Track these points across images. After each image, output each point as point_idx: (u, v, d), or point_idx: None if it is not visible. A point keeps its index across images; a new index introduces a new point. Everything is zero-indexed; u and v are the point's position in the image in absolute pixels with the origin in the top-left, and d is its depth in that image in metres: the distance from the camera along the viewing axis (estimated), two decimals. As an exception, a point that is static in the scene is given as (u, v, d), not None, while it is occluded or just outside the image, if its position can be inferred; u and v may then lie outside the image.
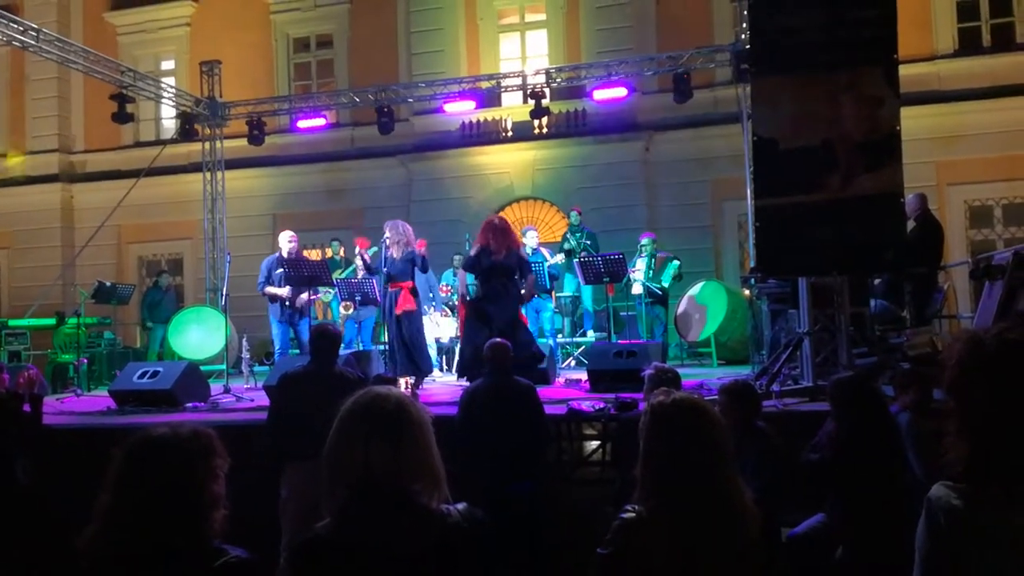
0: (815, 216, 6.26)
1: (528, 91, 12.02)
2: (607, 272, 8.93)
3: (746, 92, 9.33)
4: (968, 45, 13.40)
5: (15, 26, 10.11)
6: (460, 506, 1.96)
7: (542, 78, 12.09)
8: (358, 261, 10.39)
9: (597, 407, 6.09)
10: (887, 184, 6.19)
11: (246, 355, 9.84)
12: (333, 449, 1.92)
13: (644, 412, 2.42)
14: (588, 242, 10.99)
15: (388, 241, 8.53)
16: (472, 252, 8.12)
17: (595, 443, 6.10)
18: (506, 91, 12.97)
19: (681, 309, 10.85)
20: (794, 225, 6.32)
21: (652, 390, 4.69)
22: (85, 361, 10.42)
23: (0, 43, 11.08)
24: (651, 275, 10.40)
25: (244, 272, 12.22)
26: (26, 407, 5.84)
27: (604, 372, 7.40)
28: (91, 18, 17.20)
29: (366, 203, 15.43)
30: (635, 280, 10.28)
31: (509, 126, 14.85)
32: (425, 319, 9.55)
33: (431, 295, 10.00)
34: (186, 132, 12.84)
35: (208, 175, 13.42)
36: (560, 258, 10.98)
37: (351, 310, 10.31)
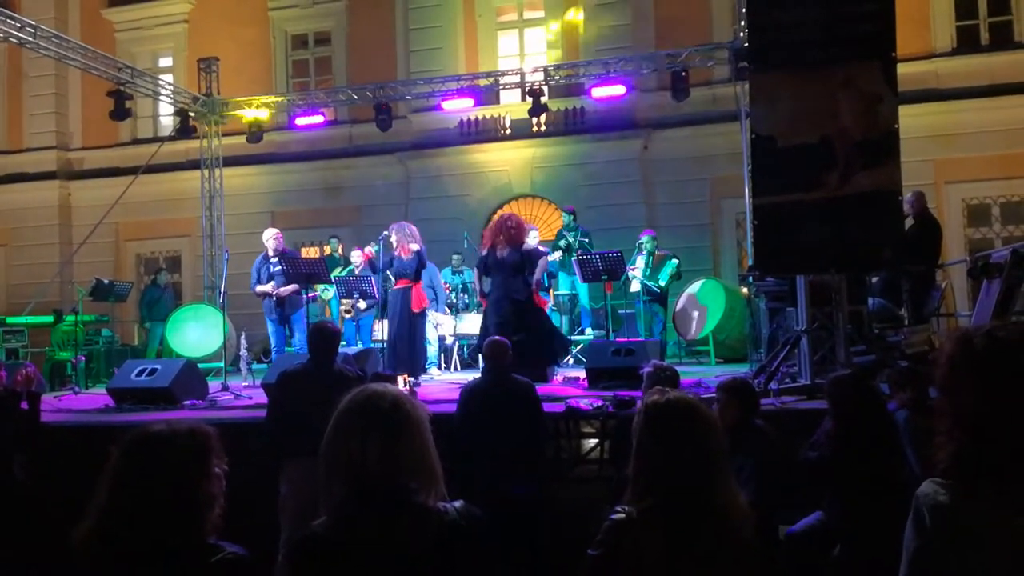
0: (813, 214, 6.26)
1: (526, 89, 12.01)
2: (605, 270, 8.92)
3: (744, 90, 9.33)
4: (966, 43, 13.40)
5: (12, 22, 10.08)
6: (457, 504, 1.96)
7: (540, 76, 12.08)
8: (356, 258, 10.41)
9: (595, 405, 6.10)
10: (885, 182, 6.19)
11: (244, 353, 9.83)
12: (330, 446, 1.92)
13: (638, 411, 2.41)
14: (584, 240, 10.98)
15: (395, 242, 8.56)
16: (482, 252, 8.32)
17: (593, 441, 6.10)
18: (504, 89, 12.95)
19: (680, 307, 10.85)
20: (792, 223, 6.33)
21: (651, 388, 4.69)
22: (83, 359, 10.41)
23: (-3, 40, 11.05)
24: (649, 273, 10.40)
25: (242, 270, 12.18)
26: (24, 405, 5.84)
27: (602, 370, 7.41)
28: (88, 15, 17.16)
29: (364, 201, 15.42)
30: (633, 278, 10.29)
31: (507, 124, 14.84)
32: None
33: (435, 296, 10.01)
34: (184, 129, 12.81)
35: (206, 172, 13.41)
36: (558, 255, 10.98)
37: (351, 314, 10.32)
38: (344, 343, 7.97)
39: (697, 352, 11.03)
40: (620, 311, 10.67)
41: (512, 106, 14.61)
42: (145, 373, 7.69)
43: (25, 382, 6.44)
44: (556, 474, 5.82)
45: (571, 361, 10.60)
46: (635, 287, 10.37)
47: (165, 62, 17.10)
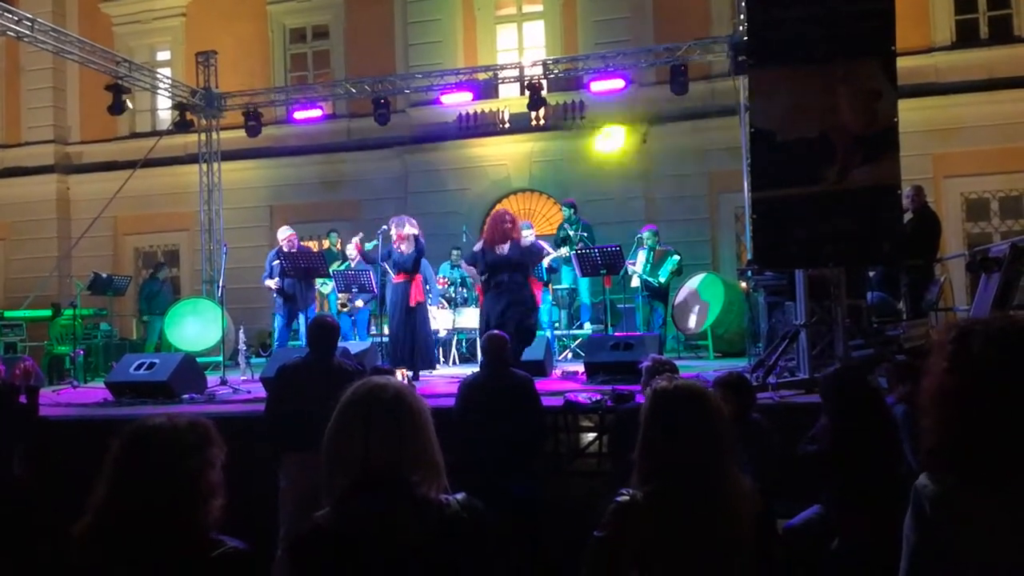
0: (812, 208, 6.26)
1: (525, 82, 11.99)
2: (604, 264, 8.91)
3: (744, 84, 9.32)
4: (966, 37, 13.39)
5: (10, 16, 10.05)
6: (459, 496, 1.96)
7: (539, 69, 12.06)
8: (351, 251, 10.42)
9: (594, 399, 6.10)
10: (884, 176, 6.19)
11: (243, 347, 9.84)
12: (332, 439, 1.92)
13: (646, 396, 2.43)
14: (584, 234, 10.97)
15: (395, 236, 8.54)
16: (476, 247, 8.15)
17: (592, 435, 6.11)
18: (503, 82, 12.92)
19: (678, 301, 10.86)
20: (791, 217, 6.32)
21: (649, 382, 4.70)
22: (81, 352, 10.41)
23: (-5, 33, 11.01)
24: (650, 268, 10.40)
25: (241, 264, 12.22)
26: (22, 399, 5.84)
27: (601, 364, 7.41)
28: (86, 8, 17.11)
29: (363, 195, 15.41)
30: (633, 273, 10.28)
31: (506, 118, 14.82)
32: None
33: (428, 287, 10.00)
34: (182, 123, 12.79)
35: (204, 166, 13.38)
36: (564, 252, 10.95)
37: (347, 308, 10.32)
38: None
39: (696, 346, 11.04)
40: (619, 306, 10.67)
41: (511, 100, 14.58)
42: (144, 367, 7.70)
43: (23, 376, 6.45)
44: (555, 468, 5.83)
45: (569, 355, 10.62)
46: (635, 283, 10.37)
47: (163, 56, 17.07)
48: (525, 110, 12.52)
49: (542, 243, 8.76)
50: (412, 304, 8.37)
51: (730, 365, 8.33)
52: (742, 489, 2.29)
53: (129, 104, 11.97)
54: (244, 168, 15.29)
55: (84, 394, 8.47)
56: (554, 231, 12.03)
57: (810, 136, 6.26)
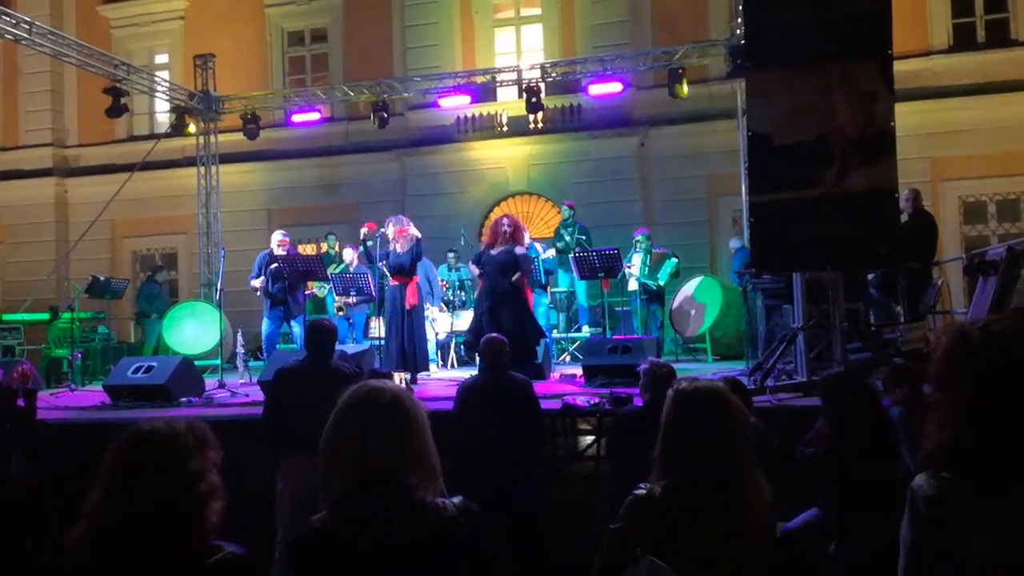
0: (810, 211, 6.27)
1: (523, 86, 12.00)
2: (602, 267, 8.92)
3: (741, 87, 9.33)
4: (963, 41, 13.42)
5: (8, 19, 10.05)
6: (456, 500, 1.97)
7: (537, 73, 12.07)
8: (348, 255, 10.41)
9: (592, 402, 6.10)
10: (881, 180, 6.20)
11: (241, 350, 9.83)
12: (329, 442, 1.92)
13: (668, 396, 2.50)
14: (582, 237, 10.98)
15: (391, 236, 8.56)
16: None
17: (590, 438, 6.11)
18: (501, 86, 12.94)
19: (676, 304, 10.86)
20: (789, 220, 6.33)
21: (648, 385, 4.71)
22: (79, 356, 10.40)
23: (-7, 36, 11.01)
24: (646, 271, 10.41)
25: (239, 267, 12.18)
26: (20, 402, 5.83)
27: (599, 367, 7.42)
28: (84, 11, 17.12)
29: (361, 198, 15.41)
30: (630, 275, 10.29)
31: (504, 121, 14.84)
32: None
33: (431, 289, 10.00)
34: (180, 126, 12.78)
35: (202, 169, 13.38)
36: (552, 253, 10.98)
37: (343, 312, 10.32)
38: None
39: (694, 349, 11.04)
40: (617, 309, 10.68)
41: (509, 103, 14.60)
42: (141, 370, 7.69)
43: (21, 379, 6.45)
44: (553, 471, 5.83)
45: (568, 358, 10.61)
46: (632, 285, 10.38)
47: (161, 59, 17.08)
48: (523, 113, 12.54)
49: (537, 245, 8.86)
50: (408, 307, 8.38)
51: (728, 368, 8.35)
52: (762, 493, 2.32)
53: (127, 107, 11.96)
54: (242, 171, 15.29)
55: (82, 397, 8.45)
56: (551, 234, 12.04)
57: (808, 139, 6.27)
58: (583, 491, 5.61)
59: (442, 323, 10.41)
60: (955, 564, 1.61)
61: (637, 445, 2.92)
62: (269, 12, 16.34)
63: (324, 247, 13.00)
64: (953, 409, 1.66)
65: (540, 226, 14.26)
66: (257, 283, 9.40)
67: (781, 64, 6.40)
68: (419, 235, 8.59)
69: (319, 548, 1.85)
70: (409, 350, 8.31)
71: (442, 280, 10.96)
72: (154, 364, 7.85)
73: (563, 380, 8.26)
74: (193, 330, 11.84)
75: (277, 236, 9.56)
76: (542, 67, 12.24)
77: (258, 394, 7.24)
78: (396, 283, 8.47)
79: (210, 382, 8.44)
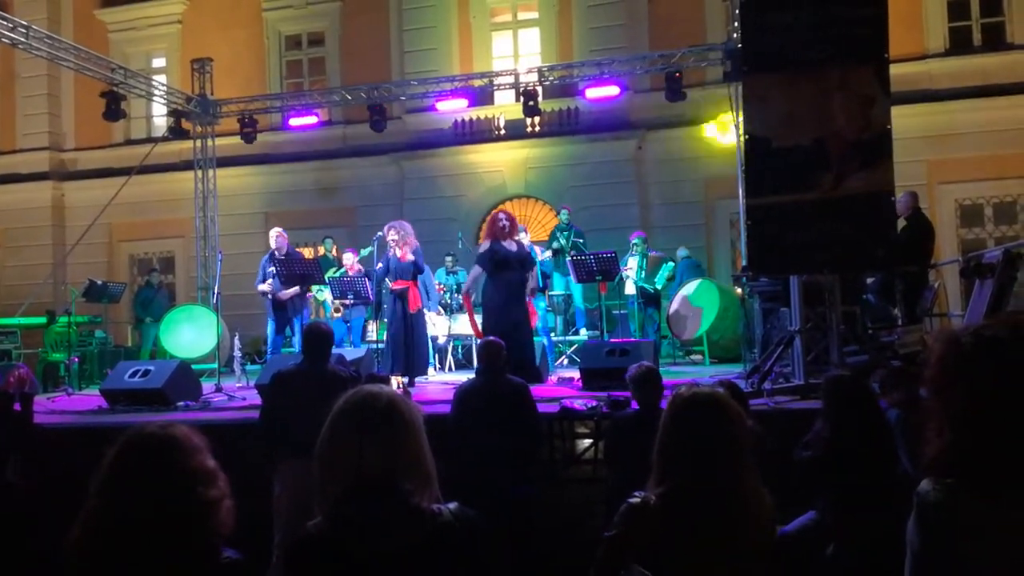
0: (807, 215, 6.27)
1: (521, 89, 12.01)
2: (600, 270, 8.92)
3: (738, 91, 9.34)
4: (959, 44, 13.46)
5: (5, 23, 10.04)
6: (452, 505, 1.96)
7: (534, 76, 12.08)
8: (348, 260, 10.42)
9: (589, 405, 6.10)
10: (878, 183, 6.21)
11: (238, 354, 9.81)
12: (325, 447, 1.92)
13: (666, 402, 2.49)
14: (578, 240, 10.99)
15: (392, 242, 8.54)
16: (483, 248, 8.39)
17: (587, 441, 6.10)
18: (499, 89, 12.96)
19: (674, 308, 10.86)
20: (786, 224, 6.34)
21: (635, 389, 4.73)
22: (76, 360, 10.38)
23: (-10, 40, 11.01)
24: (643, 275, 10.41)
25: (236, 271, 12.19)
26: (16, 406, 5.81)
27: (596, 370, 7.41)
28: (81, 15, 17.12)
29: (359, 201, 15.42)
30: (627, 278, 10.29)
31: (502, 124, 14.85)
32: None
33: (427, 295, 10.00)
34: (177, 130, 12.78)
35: (200, 173, 13.38)
36: (548, 255, 10.98)
37: (340, 312, 10.31)
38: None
39: (691, 352, 11.05)
40: (614, 312, 10.68)
41: (506, 107, 14.62)
42: (138, 374, 7.67)
43: (18, 383, 6.42)
44: (550, 475, 5.83)
45: (565, 361, 10.61)
46: (630, 288, 10.38)
47: (159, 63, 17.07)
48: (520, 116, 12.55)
49: (535, 248, 8.82)
50: (412, 310, 8.41)
51: (725, 371, 8.35)
52: (762, 500, 2.31)
53: (125, 111, 11.96)
54: (239, 175, 15.29)
55: (79, 401, 8.44)
56: (548, 238, 12.04)
57: (805, 143, 6.28)
58: (580, 495, 5.60)
59: (440, 327, 10.40)
60: (961, 570, 1.61)
61: (635, 448, 2.92)
62: (267, 16, 16.35)
63: (321, 250, 13.00)
64: (949, 415, 1.67)
65: (537, 229, 14.26)
66: (265, 287, 9.41)
67: (778, 68, 6.41)
68: (418, 246, 8.64)
69: (315, 553, 1.85)
70: (411, 354, 8.32)
71: (439, 284, 10.95)
72: (151, 368, 7.83)
73: (561, 383, 8.25)
74: (190, 334, 11.82)
75: (275, 232, 9.57)
76: (539, 71, 12.25)
77: (255, 398, 7.23)
78: (399, 287, 8.46)
79: (207, 386, 8.42)
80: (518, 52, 15.41)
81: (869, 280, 8.09)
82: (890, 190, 6.28)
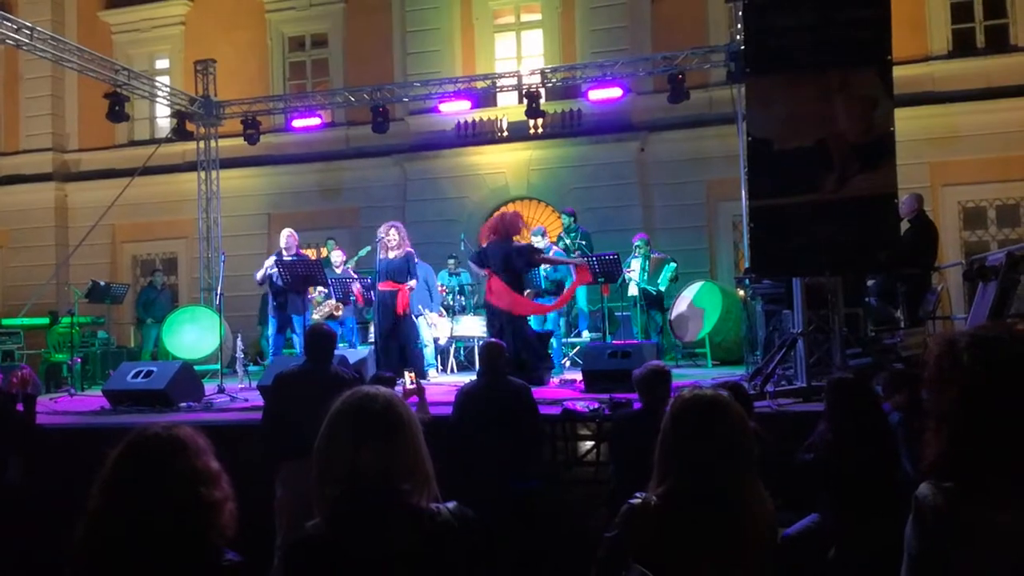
0: (810, 217, 6.27)
1: (523, 91, 12.01)
2: (602, 272, 8.92)
3: (741, 93, 9.34)
4: (962, 46, 13.43)
5: (9, 24, 10.06)
6: (450, 505, 1.96)
7: (537, 78, 12.08)
8: (336, 258, 10.43)
9: (591, 407, 6.10)
10: (881, 185, 6.20)
11: (240, 355, 9.82)
12: (322, 449, 1.92)
13: (669, 404, 2.48)
14: (583, 242, 10.97)
15: (386, 242, 8.54)
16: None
17: (589, 443, 6.10)
18: (501, 91, 12.96)
19: (676, 310, 10.86)
20: (789, 226, 6.34)
21: (642, 389, 4.72)
22: (79, 360, 10.40)
23: (-6, 41, 11.03)
24: (646, 276, 10.40)
25: (239, 272, 12.20)
26: (19, 407, 5.83)
27: (599, 372, 7.41)
28: (85, 17, 17.14)
29: (361, 203, 15.41)
30: (630, 280, 10.28)
31: (504, 126, 14.85)
32: (421, 320, 9.55)
33: (430, 296, 10.00)
34: (181, 131, 12.80)
35: (203, 174, 13.39)
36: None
37: (340, 311, 10.30)
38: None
39: (694, 354, 11.03)
40: (617, 313, 10.67)
41: (509, 108, 14.61)
42: (141, 375, 7.69)
43: (21, 384, 6.44)
44: (552, 476, 5.82)
45: (567, 363, 10.60)
46: (632, 290, 10.37)
47: (162, 64, 17.08)
48: (523, 118, 12.55)
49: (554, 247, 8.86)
50: (400, 312, 8.41)
51: (728, 373, 8.34)
52: (763, 503, 2.30)
53: (128, 112, 11.98)
54: (242, 176, 15.30)
55: (81, 402, 8.45)
56: (551, 240, 12.02)
57: (808, 144, 6.28)
58: (583, 496, 5.60)
59: (442, 328, 10.40)
60: (960, 574, 1.61)
61: (637, 447, 2.92)
62: (270, 17, 16.36)
63: (324, 252, 13.01)
64: (947, 417, 1.67)
65: (540, 231, 14.24)
66: (260, 275, 9.44)
67: (781, 70, 6.41)
68: (411, 249, 8.68)
69: (314, 554, 1.85)
70: (405, 355, 8.33)
71: (442, 285, 10.95)
72: (154, 369, 7.85)
73: (563, 385, 8.25)
74: (193, 335, 11.84)
75: (286, 232, 9.57)
76: (542, 72, 12.25)
77: (257, 399, 7.24)
78: (387, 288, 8.47)
79: (210, 387, 8.43)
80: (521, 54, 15.41)
81: (870, 282, 8.08)
82: (893, 192, 6.27)
